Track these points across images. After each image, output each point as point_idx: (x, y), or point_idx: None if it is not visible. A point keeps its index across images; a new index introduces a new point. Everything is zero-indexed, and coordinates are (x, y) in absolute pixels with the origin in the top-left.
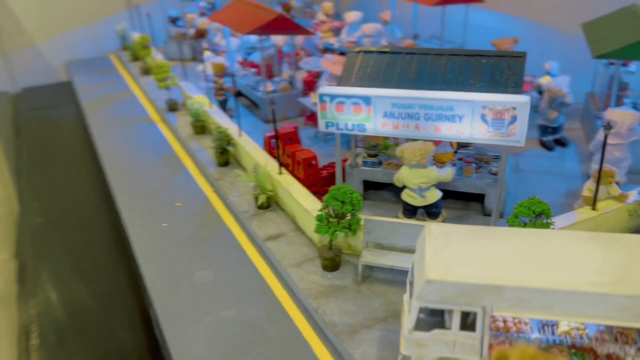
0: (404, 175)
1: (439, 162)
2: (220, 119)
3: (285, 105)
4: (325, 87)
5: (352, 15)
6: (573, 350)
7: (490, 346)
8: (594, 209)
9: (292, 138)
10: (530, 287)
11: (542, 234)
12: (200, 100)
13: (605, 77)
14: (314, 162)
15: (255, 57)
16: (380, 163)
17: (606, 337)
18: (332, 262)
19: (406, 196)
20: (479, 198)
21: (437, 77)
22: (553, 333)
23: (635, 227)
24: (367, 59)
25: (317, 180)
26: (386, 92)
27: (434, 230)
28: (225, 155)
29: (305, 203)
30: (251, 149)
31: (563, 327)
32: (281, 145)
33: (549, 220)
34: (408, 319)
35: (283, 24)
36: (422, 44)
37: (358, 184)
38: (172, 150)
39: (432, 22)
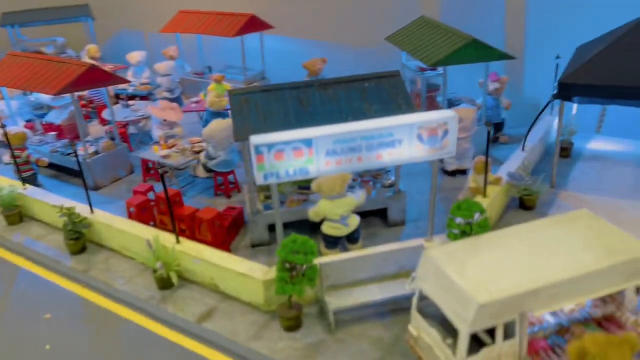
0: (324, 209)
1: None
2: (49, 198)
3: (114, 164)
4: (258, 138)
5: (135, 56)
6: (587, 324)
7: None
8: (485, 196)
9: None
10: (560, 281)
11: (517, 231)
12: (9, 183)
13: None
14: (217, 222)
15: (52, 118)
16: (282, 203)
17: (599, 302)
18: (296, 321)
19: (329, 229)
20: (379, 212)
21: (333, 107)
22: (564, 314)
23: (507, 203)
24: (252, 100)
25: (225, 237)
26: (325, 131)
27: (436, 255)
28: (81, 241)
29: (234, 266)
30: (119, 223)
31: (568, 306)
32: (157, 210)
33: (484, 216)
34: (457, 348)
35: (97, 76)
36: (225, 73)
37: (264, 229)
38: None
39: (220, 52)
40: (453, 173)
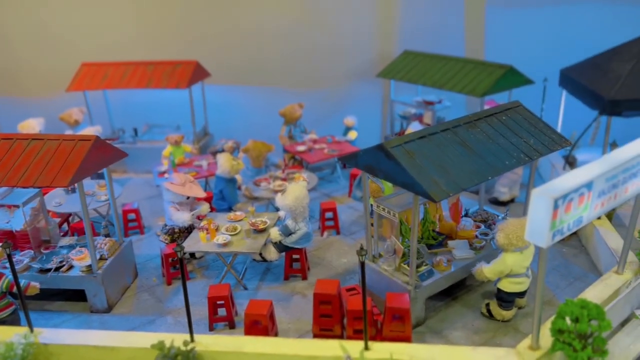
0: (511, 263)
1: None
2: (90, 337)
3: (121, 270)
4: (555, 190)
5: (33, 126)
6: None
7: None
8: None
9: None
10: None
11: None
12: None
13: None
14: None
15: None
16: (432, 265)
17: None
18: None
19: (511, 285)
20: None
21: (495, 146)
22: None
23: None
24: (417, 151)
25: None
26: (598, 170)
27: None
28: None
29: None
30: (257, 345)
31: None
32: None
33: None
34: None
35: (104, 152)
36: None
37: (422, 306)
38: None
39: (132, 109)
40: (505, 203)
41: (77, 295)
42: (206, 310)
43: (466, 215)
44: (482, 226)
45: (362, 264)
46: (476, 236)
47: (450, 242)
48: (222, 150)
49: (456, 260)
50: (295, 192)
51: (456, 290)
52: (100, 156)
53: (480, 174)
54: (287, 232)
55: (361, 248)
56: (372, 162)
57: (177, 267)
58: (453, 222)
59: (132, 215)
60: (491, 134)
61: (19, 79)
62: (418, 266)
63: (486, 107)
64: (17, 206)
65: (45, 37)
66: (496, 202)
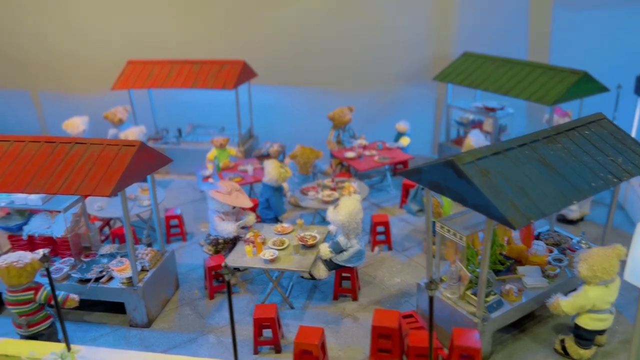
0: (594, 298)
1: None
2: None
3: (162, 282)
4: None
5: (78, 124)
6: None
7: None
8: None
9: None
10: None
11: None
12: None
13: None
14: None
15: (37, 227)
16: (500, 294)
17: None
18: None
19: (592, 321)
20: None
21: (579, 164)
22: None
23: None
24: (491, 169)
25: None
26: None
27: None
28: None
29: None
30: None
31: None
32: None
33: None
34: None
35: (148, 158)
36: (195, 134)
37: (489, 339)
38: None
39: (175, 109)
40: (574, 221)
41: (117, 307)
42: (250, 329)
43: (537, 237)
44: (555, 250)
45: (431, 300)
46: (549, 262)
47: (519, 268)
48: (267, 155)
49: (527, 289)
50: (349, 206)
51: (525, 321)
52: (144, 162)
53: (564, 196)
54: (338, 250)
55: (431, 281)
56: (439, 179)
57: (221, 280)
58: (523, 245)
59: (174, 221)
60: (573, 150)
61: (65, 74)
62: (486, 295)
63: (556, 116)
64: (59, 212)
65: (91, 33)
66: (564, 221)
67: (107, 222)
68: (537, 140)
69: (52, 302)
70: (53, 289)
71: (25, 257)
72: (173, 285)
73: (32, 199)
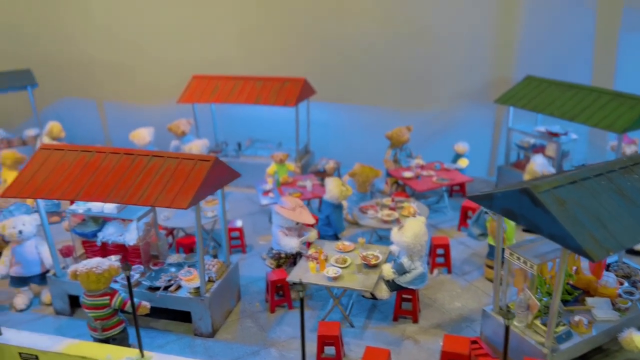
0: None
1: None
2: None
3: (227, 293)
4: None
5: (144, 135)
6: None
7: None
8: None
9: None
10: None
11: None
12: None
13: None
14: None
15: (110, 234)
16: (569, 325)
17: None
18: None
19: None
20: None
21: None
22: None
23: None
24: (567, 199)
25: None
26: None
27: None
28: None
29: None
30: None
31: None
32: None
33: None
34: None
35: (221, 172)
36: (254, 148)
37: None
38: None
39: (234, 124)
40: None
41: (182, 316)
42: (311, 344)
43: (607, 268)
44: (626, 283)
45: (507, 330)
46: (619, 295)
47: (589, 300)
48: (324, 171)
49: (597, 321)
50: (414, 228)
51: (591, 354)
52: (217, 177)
53: (635, 227)
54: (401, 271)
55: (508, 310)
56: (512, 207)
57: (282, 294)
58: (592, 276)
59: (235, 233)
60: None
61: (129, 85)
62: (555, 326)
63: (624, 144)
64: (132, 220)
65: (156, 46)
66: (631, 252)
67: (170, 231)
68: (614, 170)
69: (126, 308)
70: (132, 296)
71: (103, 263)
72: (236, 297)
73: (108, 208)
